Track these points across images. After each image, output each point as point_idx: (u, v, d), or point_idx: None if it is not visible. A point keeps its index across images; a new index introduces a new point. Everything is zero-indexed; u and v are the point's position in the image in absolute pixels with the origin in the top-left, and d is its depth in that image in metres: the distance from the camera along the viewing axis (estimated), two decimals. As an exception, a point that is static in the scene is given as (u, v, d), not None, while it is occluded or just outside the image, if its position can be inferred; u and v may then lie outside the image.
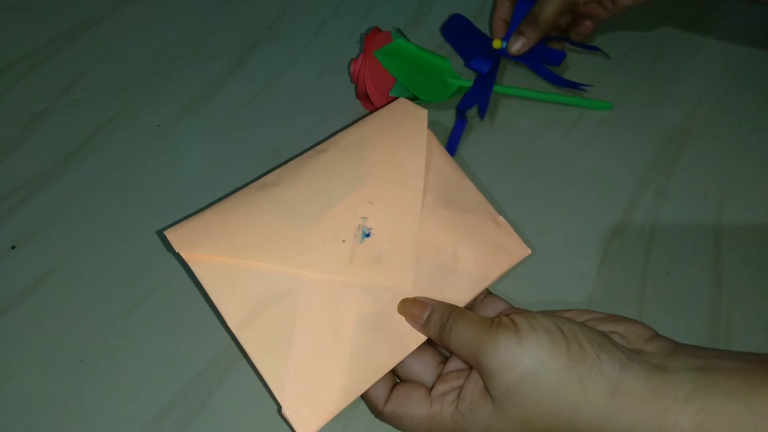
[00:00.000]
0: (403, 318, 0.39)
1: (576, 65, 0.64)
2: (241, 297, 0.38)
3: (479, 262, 0.42)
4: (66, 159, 0.54)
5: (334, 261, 0.39)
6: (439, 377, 0.39)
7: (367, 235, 0.41)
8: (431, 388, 0.38)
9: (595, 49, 0.64)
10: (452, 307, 0.38)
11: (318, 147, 0.45)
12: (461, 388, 0.37)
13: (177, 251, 0.39)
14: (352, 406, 0.39)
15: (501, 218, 0.44)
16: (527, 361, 0.33)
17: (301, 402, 0.37)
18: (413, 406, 0.37)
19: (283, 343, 0.37)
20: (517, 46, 0.58)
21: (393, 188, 0.42)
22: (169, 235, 0.39)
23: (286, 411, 0.36)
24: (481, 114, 0.58)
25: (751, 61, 0.66)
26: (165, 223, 0.51)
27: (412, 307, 0.39)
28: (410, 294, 0.40)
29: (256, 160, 0.55)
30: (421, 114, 0.46)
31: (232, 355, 0.44)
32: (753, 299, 0.48)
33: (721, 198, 0.54)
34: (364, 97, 0.58)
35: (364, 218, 0.41)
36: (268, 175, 0.43)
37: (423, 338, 0.39)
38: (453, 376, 0.38)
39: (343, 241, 0.40)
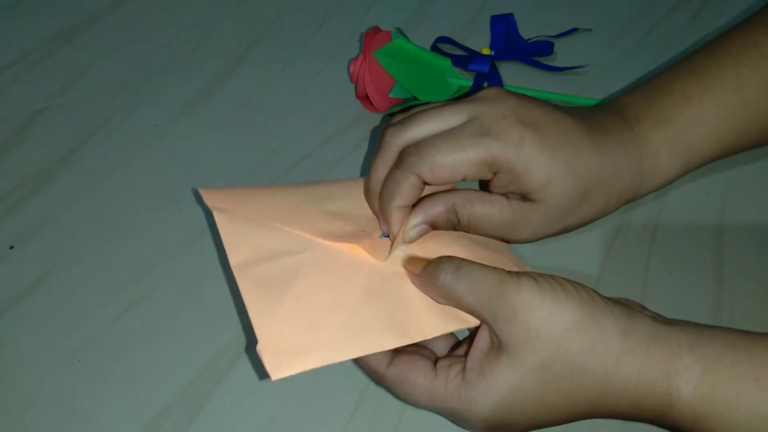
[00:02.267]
0: (409, 306, 0.37)
1: (576, 65, 0.64)
2: (250, 244, 0.38)
3: None
4: (64, 158, 0.54)
5: (351, 239, 0.39)
6: (446, 355, 0.38)
7: (386, 236, 0.40)
8: (435, 361, 0.37)
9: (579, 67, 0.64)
10: (455, 258, 0.36)
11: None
12: (465, 359, 0.35)
13: (204, 200, 0.39)
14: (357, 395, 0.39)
15: (527, 267, 0.42)
16: (547, 305, 0.33)
17: (278, 345, 0.35)
18: (417, 373, 0.36)
19: (278, 290, 0.36)
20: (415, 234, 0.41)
21: None
22: (202, 191, 0.40)
23: (261, 349, 0.34)
24: None
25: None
26: (164, 222, 0.51)
27: (412, 262, 0.38)
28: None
29: (255, 159, 0.55)
30: None
31: (232, 355, 0.44)
32: (755, 299, 0.48)
33: (723, 198, 0.54)
34: (364, 97, 0.58)
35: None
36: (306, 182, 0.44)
37: (427, 334, 0.37)
38: (460, 353, 0.37)
39: (363, 231, 0.40)
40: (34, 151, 0.55)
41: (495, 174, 0.37)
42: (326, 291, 0.37)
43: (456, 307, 0.36)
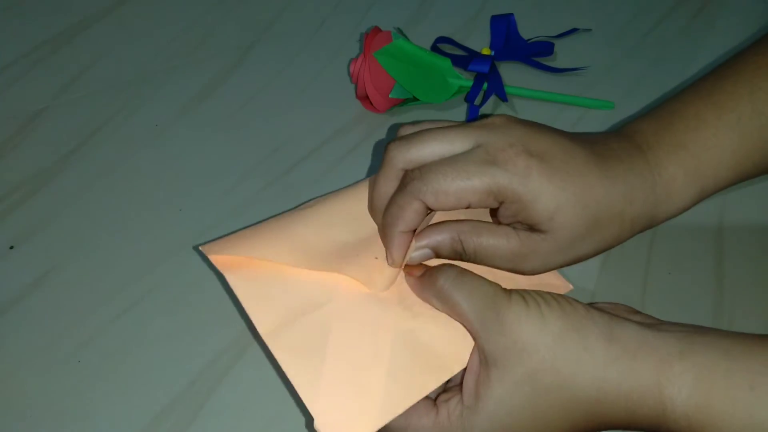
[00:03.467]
0: (444, 336, 0.37)
1: (577, 65, 0.64)
2: (272, 306, 0.37)
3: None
4: (64, 158, 0.54)
5: (368, 271, 0.38)
6: (443, 390, 0.37)
7: None
8: (435, 399, 0.37)
9: (578, 69, 0.64)
10: (456, 267, 0.36)
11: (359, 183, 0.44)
12: (461, 385, 0.35)
13: (208, 257, 0.38)
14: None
15: (568, 284, 0.42)
16: (534, 320, 0.33)
17: (334, 418, 0.34)
18: (418, 414, 0.36)
19: (316, 354, 0.35)
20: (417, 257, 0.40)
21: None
22: (203, 247, 0.38)
23: (318, 425, 0.34)
24: (503, 98, 0.59)
25: (752, 62, 0.66)
26: (164, 222, 0.50)
27: (409, 267, 0.38)
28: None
29: (255, 159, 0.55)
30: None
31: (232, 355, 0.44)
32: (755, 300, 0.48)
33: (723, 198, 0.54)
34: (363, 97, 0.58)
35: None
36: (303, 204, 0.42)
37: (463, 362, 0.36)
38: (456, 382, 0.37)
39: (376, 258, 0.39)
40: (34, 151, 0.55)
41: (501, 203, 0.36)
42: (360, 342, 0.36)
43: (450, 313, 0.36)
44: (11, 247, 0.49)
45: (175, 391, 0.43)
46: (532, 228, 0.37)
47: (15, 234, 0.49)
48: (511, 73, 0.63)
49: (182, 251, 0.49)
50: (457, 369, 0.36)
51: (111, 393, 0.42)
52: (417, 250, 0.38)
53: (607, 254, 0.50)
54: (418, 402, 0.36)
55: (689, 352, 0.32)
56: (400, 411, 0.35)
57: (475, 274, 0.36)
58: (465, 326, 0.35)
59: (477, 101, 0.59)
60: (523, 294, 0.34)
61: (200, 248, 0.38)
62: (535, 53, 0.64)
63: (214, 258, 0.38)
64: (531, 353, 0.33)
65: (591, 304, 0.36)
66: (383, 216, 0.38)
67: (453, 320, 0.36)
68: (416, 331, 0.37)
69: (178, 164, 0.54)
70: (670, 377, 0.31)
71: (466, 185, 0.35)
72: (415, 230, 0.38)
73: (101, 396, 0.42)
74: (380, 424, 0.34)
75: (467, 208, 0.37)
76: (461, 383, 0.36)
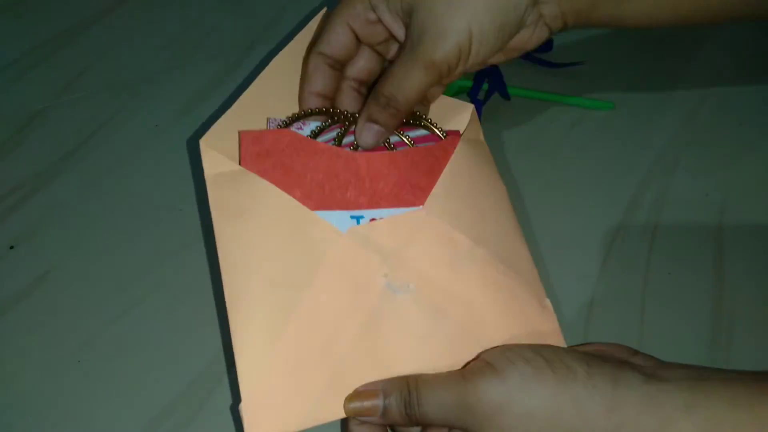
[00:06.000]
0: (400, 350, 0.35)
1: (575, 61, 0.64)
2: (252, 268, 0.35)
3: (504, 341, 0.36)
4: (64, 159, 0.54)
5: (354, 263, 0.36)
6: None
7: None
8: None
9: (578, 64, 0.64)
10: (404, 379, 0.34)
11: None
12: None
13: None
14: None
15: (548, 301, 0.39)
16: (516, 398, 0.31)
17: (261, 405, 0.34)
18: None
19: (272, 335, 0.34)
20: (370, 138, 0.39)
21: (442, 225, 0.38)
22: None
23: (243, 408, 0.34)
24: (505, 96, 0.59)
25: (752, 61, 0.66)
26: (164, 222, 0.50)
27: (359, 400, 0.34)
28: (415, 348, 0.35)
29: (255, 159, 0.55)
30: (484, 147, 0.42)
31: (232, 355, 0.44)
32: (755, 300, 0.48)
33: (723, 198, 0.54)
34: (364, 96, 0.58)
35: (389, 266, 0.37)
36: None
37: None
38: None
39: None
40: (35, 151, 0.54)
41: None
42: (315, 341, 0.35)
43: (431, 427, 0.34)
44: (11, 247, 0.49)
45: (175, 391, 0.42)
46: None
47: (15, 234, 0.49)
48: (511, 72, 0.62)
49: (182, 251, 0.49)
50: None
51: (111, 393, 0.42)
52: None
53: (607, 254, 0.50)
54: None
55: (694, 405, 0.30)
56: (329, 419, 0.34)
57: (425, 380, 0.33)
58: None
59: (480, 97, 0.59)
60: (499, 369, 0.32)
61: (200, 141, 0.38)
62: (534, 50, 0.63)
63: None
64: None
65: (589, 349, 0.34)
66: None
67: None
68: (378, 342, 0.35)
69: (178, 164, 0.54)
70: None
71: None
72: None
73: (101, 396, 0.42)
74: (303, 427, 0.33)
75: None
76: None
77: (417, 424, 0.34)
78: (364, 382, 0.34)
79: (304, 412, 0.34)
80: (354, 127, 0.40)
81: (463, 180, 0.39)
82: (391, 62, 0.42)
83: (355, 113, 0.41)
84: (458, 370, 0.34)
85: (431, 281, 0.37)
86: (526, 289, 0.38)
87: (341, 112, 0.41)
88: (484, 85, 0.59)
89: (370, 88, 0.43)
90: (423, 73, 0.37)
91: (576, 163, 0.56)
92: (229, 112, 0.39)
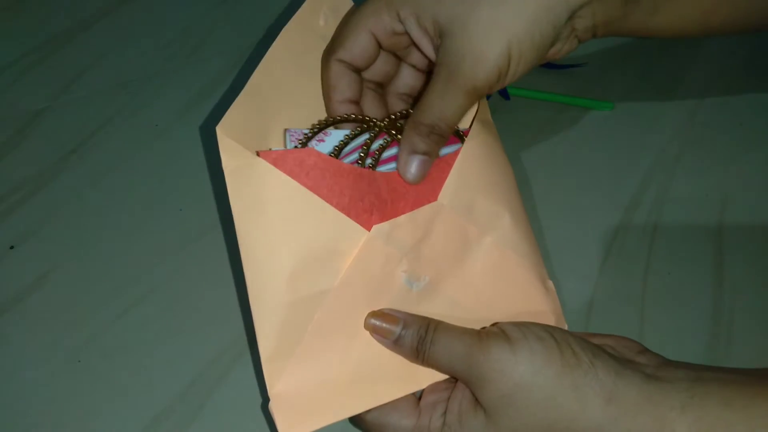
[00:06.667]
0: None
1: (576, 63, 0.64)
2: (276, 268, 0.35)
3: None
4: (65, 159, 0.54)
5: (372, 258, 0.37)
6: (430, 387, 0.37)
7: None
8: (420, 397, 0.36)
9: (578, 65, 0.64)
10: (428, 320, 0.35)
11: None
12: (448, 399, 0.35)
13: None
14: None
15: (550, 283, 0.40)
16: (521, 368, 0.32)
17: (290, 404, 0.35)
18: (399, 415, 0.35)
19: (294, 336, 0.35)
20: (418, 170, 0.38)
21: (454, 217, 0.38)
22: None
23: (273, 408, 0.34)
24: (505, 96, 0.59)
25: (752, 61, 0.66)
26: (164, 222, 0.50)
27: (380, 321, 0.36)
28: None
29: (255, 159, 0.55)
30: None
31: (232, 355, 0.44)
32: (755, 299, 0.48)
33: (723, 198, 0.54)
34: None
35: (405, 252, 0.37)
36: None
37: (438, 376, 0.37)
38: (443, 386, 0.36)
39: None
40: (34, 151, 0.54)
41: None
42: (338, 338, 0.36)
43: (434, 369, 0.35)
44: (11, 247, 0.49)
45: (175, 391, 0.43)
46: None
47: (15, 234, 0.49)
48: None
49: (182, 251, 0.49)
50: (424, 383, 0.36)
51: (111, 393, 0.42)
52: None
53: (607, 254, 0.50)
54: (401, 399, 0.36)
55: (690, 405, 0.31)
56: (356, 412, 0.35)
57: (445, 327, 0.35)
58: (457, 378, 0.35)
59: None
60: (511, 337, 0.33)
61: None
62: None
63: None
64: (518, 408, 0.32)
65: (600, 341, 0.35)
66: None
67: None
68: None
69: (178, 164, 0.54)
70: None
71: None
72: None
73: (101, 396, 0.42)
74: (331, 422, 0.35)
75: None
76: (451, 389, 0.36)
77: (422, 362, 0.35)
78: (386, 375, 0.36)
79: (332, 407, 0.35)
80: (380, 131, 0.40)
81: (475, 165, 0.39)
82: (413, 67, 0.42)
83: (381, 120, 0.40)
84: (476, 329, 0.35)
85: (444, 272, 0.38)
86: (531, 271, 0.39)
87: (369, 119, 0.40)
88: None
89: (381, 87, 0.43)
90: (464, 99, 0.36)
91: (576, 163, 0.56)
92: (242, 95, 0.38)
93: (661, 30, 0.38)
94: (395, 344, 0.35)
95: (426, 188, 0.38)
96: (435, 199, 0.38)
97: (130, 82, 0.60)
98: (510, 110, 0.60)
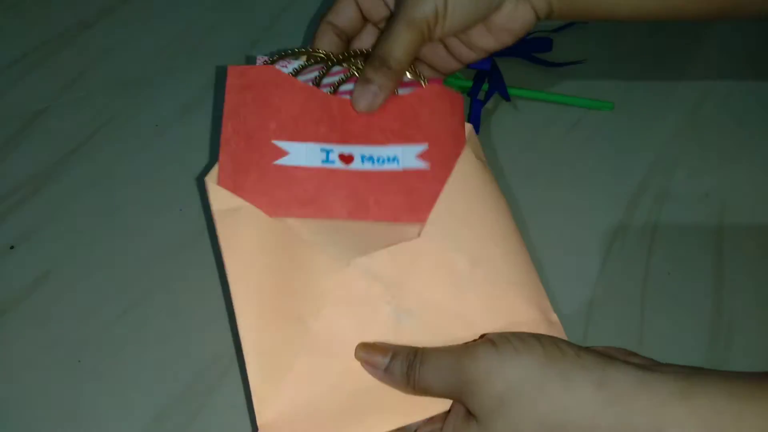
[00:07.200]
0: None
1: (576, 65, 0.64)
2: (265, 303, 0.36)
3: None
4: (65, 159, 0.54)
5: (358, 293, 0.37)
6: (424, 422, 0.37)
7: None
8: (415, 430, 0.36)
9: (578, 63, 0.64)
10: (417, 348, 0.35)
11: None
12: (443, 425, 0.35)
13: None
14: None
15: (554, 316, 0.39)
16: (507, 367, 0.32)
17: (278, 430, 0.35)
18: None
19: (284, 364, 0.35)
20: (366, 99, 0.40)
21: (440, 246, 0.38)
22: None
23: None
24: (505, 96, 0.59)
25: (752, 61, 0.66)
26: (164, 222, 0.50)
27: (370, 352, 0.36)
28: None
29: (255, 159, 0.55)
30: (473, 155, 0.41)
31: (232, 355, 0.44)
32: (755, 300, 0.48)
33: (723, 198, 0.54)
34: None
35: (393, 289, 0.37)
36: None
37: (430, 410, 0.36)
38: (438, 418, 0.36)
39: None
40: (35, 151, 0.54)
41: None
42: (329, 368, 0.36)
43: (426, 395, 0.35)
44: (11, 247, 0.49)
45: (175, 391, 0.43)
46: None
47: (15, 234, 0.49)
48: (512, 72, 0.63)
49: (182, 251, 0.49)
50: (417, 417, 0.36)
51: (111, 393, 0.42)
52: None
53: (607, 254, 0.50)
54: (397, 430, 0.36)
55: (691, 393, 0.29)
56: None
57: (431, 350, 0.35)
58: (449, 399, 0.35)
59: (480, 97, 0.59)
60: (495, 340, 0.33)
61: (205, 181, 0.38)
62: (534, 49, 0.64)
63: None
64: (510, 405, 0.32)
65: (587, 348, 0.34)
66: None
67: None
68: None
69: (178, 164, 0.54)
70: (673, 420, 0.29)
71: None
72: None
73: (101, 396, 0.42)
74: None
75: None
76: (444, 419, 0.35)
77: (414, 388, 0.35)
78: (377, 407, 0.36)
79: None
80: (334, 68, 0.42)
81: (463, 201, 0.40)
82: None
83: (336, 54, 0.43)
84: (459, 345, 0.35)
85: (434, 306, 0.37)
86: (530, 304, 0.38)
87: (325, 54, 0.43)
88: (484, 86, 0.59)
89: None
90: (406, 31, 0.40)
91: (576, 163, 0.56)
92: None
93: (619, 6, 0.40)
94: (386, 374, 0.35)
95: (382, 117, 0.40)
96: (390, 130, 0.40)
97: (130, 82, 0.60)
98: (510, 110, 0.60)
